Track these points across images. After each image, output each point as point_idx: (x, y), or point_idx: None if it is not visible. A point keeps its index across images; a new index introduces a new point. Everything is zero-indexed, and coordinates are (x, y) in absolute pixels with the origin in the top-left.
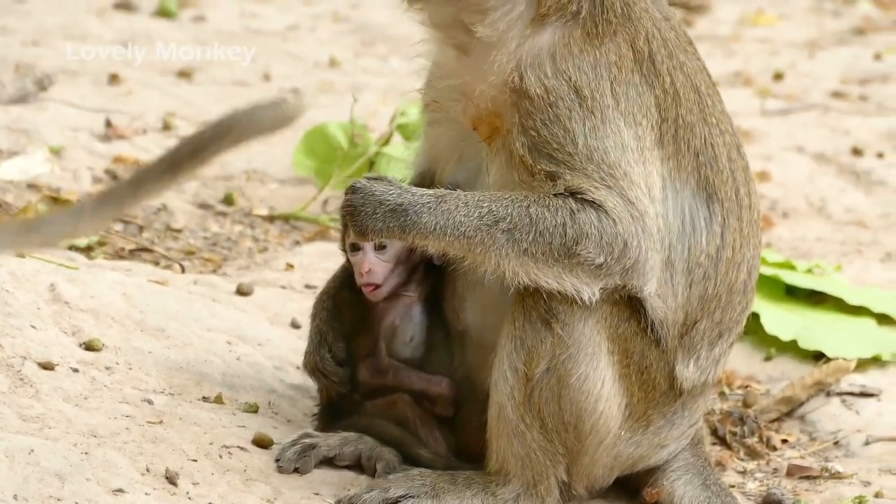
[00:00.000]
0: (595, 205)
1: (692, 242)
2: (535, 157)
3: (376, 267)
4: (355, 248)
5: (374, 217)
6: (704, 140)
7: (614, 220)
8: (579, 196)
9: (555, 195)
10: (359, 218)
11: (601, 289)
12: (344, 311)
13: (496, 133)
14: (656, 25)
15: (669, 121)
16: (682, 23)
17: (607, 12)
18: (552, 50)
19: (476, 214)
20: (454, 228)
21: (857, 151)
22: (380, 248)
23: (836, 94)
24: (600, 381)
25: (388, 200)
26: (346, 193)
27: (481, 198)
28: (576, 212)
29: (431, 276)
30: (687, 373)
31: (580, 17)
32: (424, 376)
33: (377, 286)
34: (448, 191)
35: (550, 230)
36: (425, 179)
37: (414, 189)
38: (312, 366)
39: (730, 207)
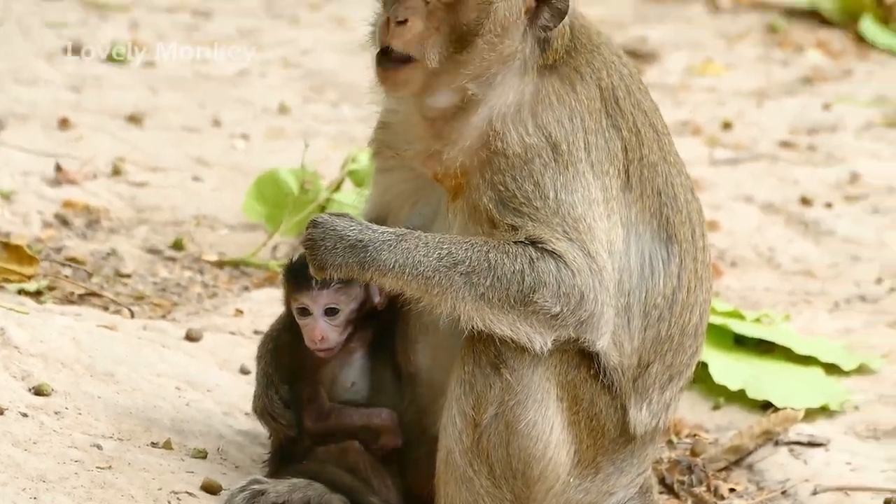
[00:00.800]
0: (555, 255)
1: (650, 285)
2: (501, 211)
3: (329, 334)
4: (304, 312)
5: (333, 252)
6: (665, 179)
7: (573, 271)
8: (540, 245)
9: (515, 242)
10: (318, 252)
11: (554, 340)
12: (284, 355)
13: (461, 188)
14: (613, 61)
15: (636, 162)
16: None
17: (577, 50)
18: (533, 102)
19: (435, 255)
20: (413, 268)
21: (805, 201)
22: (331, 313)
23: (785, 144)
24: (549, 427)
25: (349, 236)
26: (307, 228)
27: (441, 239)
28: (535, 260)
29: (374, 323)
30: (640, 417)
31: (558, 59)
32: (365, 411)
33: (329, 349)
34: (408, 230)
35: (508, 276)
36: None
37: (375, 226)
38: (261, 408)
39: (687, 248)
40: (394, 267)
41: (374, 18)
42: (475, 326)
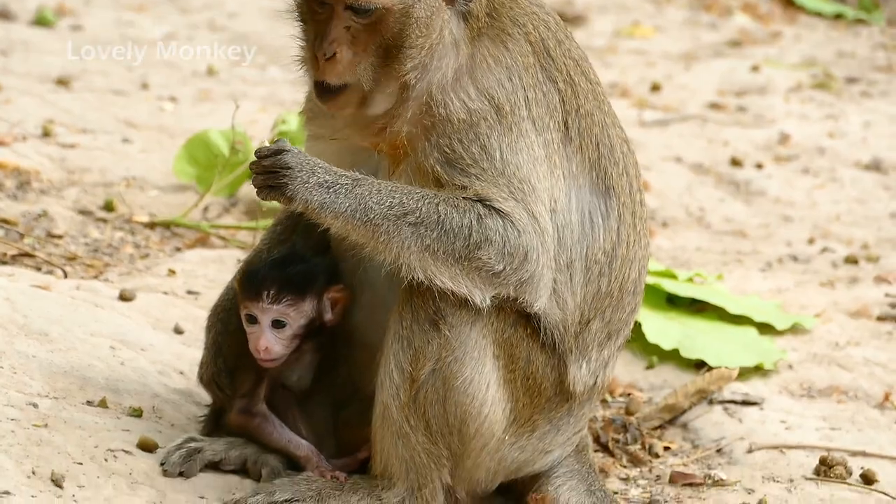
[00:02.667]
0: (502, 214)
1: (591, 240)
2: (448, 172)
3: (273, 346)
4: (252, 319)
5: (306, 186)
6: (602, 129)
7: (519, 230)
8: (488, 203)
9: (465, 198)
10: (294, 183)
11: (493, 297)
12: (229, 338)
13: (405, 155)
14: (536, 12)
15: (573, 113)
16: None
17: (498, 10)
18: (470, 69)
19: (387, 203)
20: (363, 213)
21: (735, 162)
22: (278, 325)
23: (714, 106)
24: (485, 384)
25: (318, 173)
26: (271, 154)
27: (394, 188)
28: (483, 217)
29: (327, 332)
30: (579, 375)
31: (482, 24)
32: (288, 437)
33: (272, 360)
34: (364, 176)
35: (456, 231)
36: None
37: (334, 168)
38: (209, 377)
39: (625, 202)
40: (345, 211)
41: (299, 50)
42: (416, 277)
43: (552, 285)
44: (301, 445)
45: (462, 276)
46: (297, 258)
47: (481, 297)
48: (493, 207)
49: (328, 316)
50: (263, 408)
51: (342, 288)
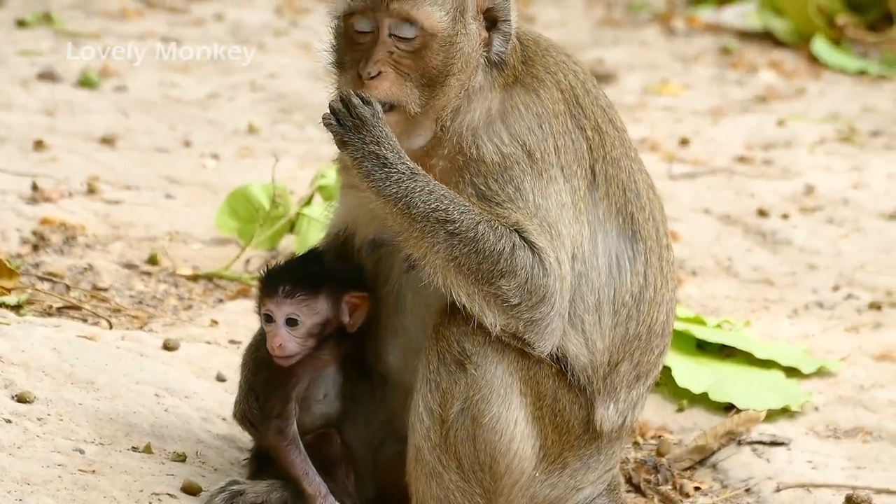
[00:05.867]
0: (535, 249)
1: (618, 283)
2: (482, 205)
3: (287, 343)
4: (269, 319)
5: (364, 147)
6: (629, 175)
7: (546, 269)
8: (524, 235)
9: (503, 224)
10: (355, 135)
11: (502, 327)
12: (261, 367)
13: None
14: (564, 61)
15: (601, 160)
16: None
17: (531, 58)
18: (503, 114)
19: (433, 206)
20: (406, 206)
21: (762, 213)
22: (292, 324)
23: (741, 159)
24: (513, 421)
25: (383, 146)
26: (354, 99)
27: (445, 194)
28: (516, 248)
29: (348, 339)
30: (607, 415)
31: (517, 72)
32: (305, 469)
33: (286, 357)
34: (422, 171)
35: (486, 253)
36: (339, 238)
37: (401, 152)
38: (241, 415)
39: (651, 246)
40: (390, 196)
41: (335, 83)
42: (436, 283)
43: (580, 328)
44: (314, 483)
45: (478, 297)
46: (314, 259)
47: (492, 321)
48: (528, 241)
49: (346, 319)
50: (296, 432)
51: (363, 295)
